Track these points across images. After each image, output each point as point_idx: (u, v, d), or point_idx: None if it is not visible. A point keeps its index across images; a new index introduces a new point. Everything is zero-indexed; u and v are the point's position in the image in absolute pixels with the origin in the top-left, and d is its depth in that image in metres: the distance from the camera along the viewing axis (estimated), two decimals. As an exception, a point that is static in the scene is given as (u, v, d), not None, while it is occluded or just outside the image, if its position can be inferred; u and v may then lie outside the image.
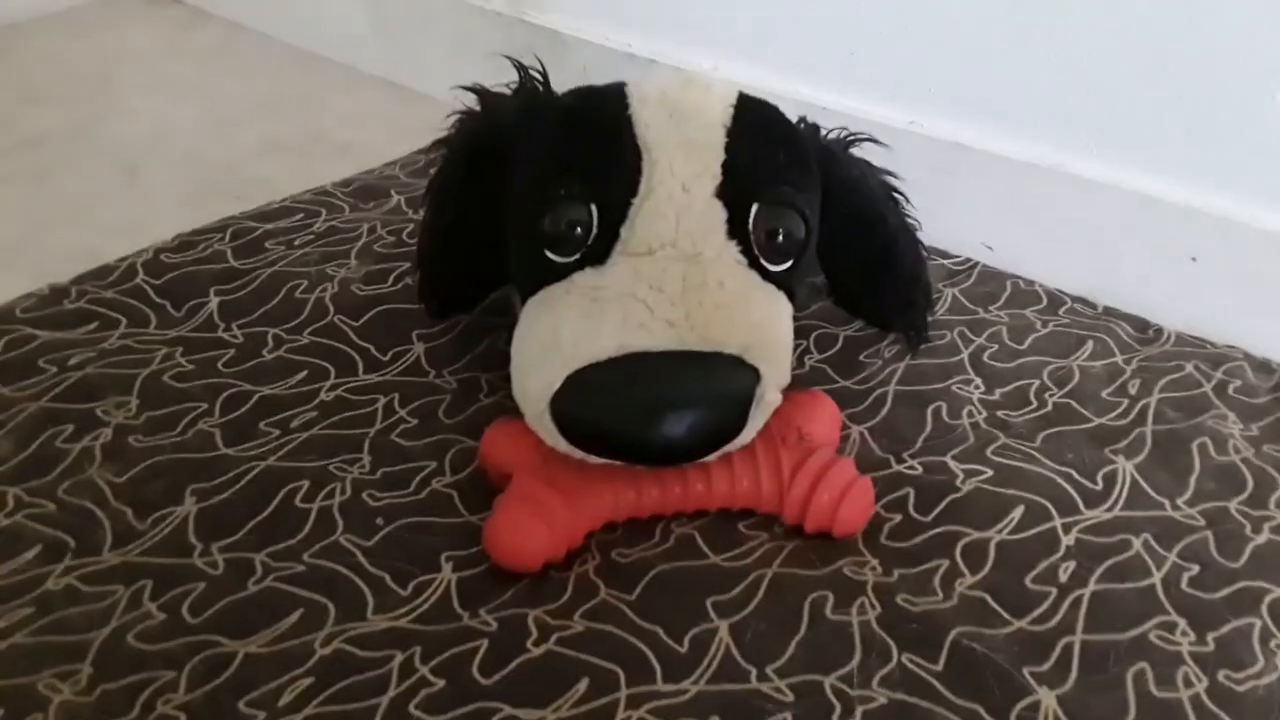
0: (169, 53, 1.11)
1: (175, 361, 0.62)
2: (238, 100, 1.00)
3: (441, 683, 0.44)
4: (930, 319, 0.64)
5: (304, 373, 0.62)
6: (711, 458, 0.50)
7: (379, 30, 1.04)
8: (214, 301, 0.68)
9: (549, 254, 0.52)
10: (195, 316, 0.66)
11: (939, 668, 0.45)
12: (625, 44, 0.88)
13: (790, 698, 0.43)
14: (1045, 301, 0.70)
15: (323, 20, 1.08)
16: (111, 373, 0.61)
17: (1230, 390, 0.62)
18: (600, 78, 0.57)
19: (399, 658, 0.45)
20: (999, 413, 0.60)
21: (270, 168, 0.87)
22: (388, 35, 1.04)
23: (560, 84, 0.59)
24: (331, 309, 0.67)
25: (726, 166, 0.52)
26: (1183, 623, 0.47)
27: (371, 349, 0.64)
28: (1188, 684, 0.45)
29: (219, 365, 0.62)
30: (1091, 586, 0.49)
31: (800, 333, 0.64)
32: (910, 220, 0.62)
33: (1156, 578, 0.50)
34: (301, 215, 0.78)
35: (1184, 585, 0.49)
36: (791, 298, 0.55)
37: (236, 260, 0.72)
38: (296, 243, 0.75)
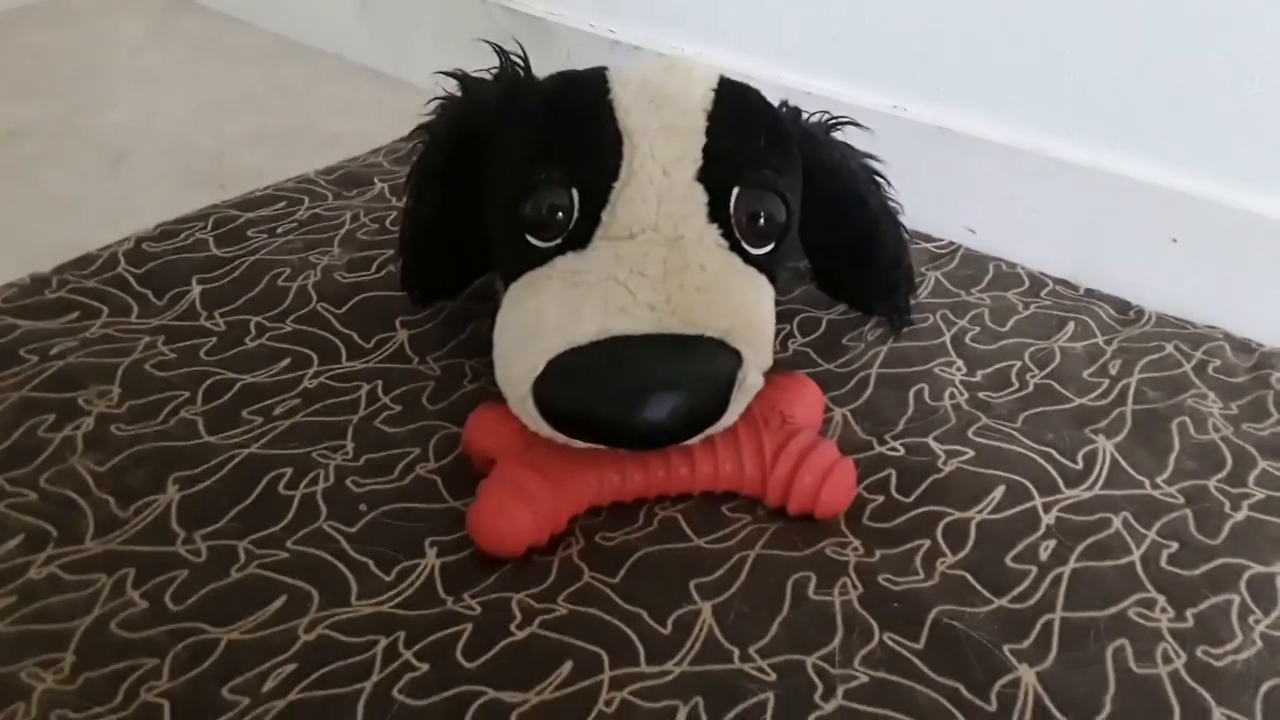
0: (155, 43, 1.11)
1: (157, 350, 0.62)
2: (224, 90, 0.99)
3: (425, 667, 0.44)
4: (912, 302, 0.65)
5: (287, 360, 0.62)
6: (694, 441, 0.50)
7: (365, 19, 1.04)
8: (196, 290, 0.68)
9: (530, 238, 0.52)
10: (177, 305, 0.66)
11: (920, 646, 0.45)
12: (609, 30, 0.88)
13: (772, 677, 0.44)
14: (1027, 284, 0.71)
15: (309, 9, 1.08)
16: (93, 362, 0.61)
17: (1210, 370, 0.62)
18: (584, 64, 0.57)
19: (383, 643, 0.45)
20: (980, 394, 0.60)
21: (257, 157, 0.87)
22: (374, 24, 1.03)
23: (545, 70, 0.58)
24: (314, 296, 0.67)
25: (707, 150, 0.52)
26: (1162, 599, 0.48)
27: (354, 336, 0.64)
28: (1167, 660, 0.45)
29: (201, 354, 0.62)
30: (1071, 565, 0.49)
31: (783, 317, 0.65)
32: (892, 204, 0.62)
33: (1136, 555, 0.50)
34: (284, 203, 0.78)
35: (1163, 563, 0.50)
36: (773, 281, 0.54)
37: (218, 249, 0.72)
38: (279, 231, 0.74)
